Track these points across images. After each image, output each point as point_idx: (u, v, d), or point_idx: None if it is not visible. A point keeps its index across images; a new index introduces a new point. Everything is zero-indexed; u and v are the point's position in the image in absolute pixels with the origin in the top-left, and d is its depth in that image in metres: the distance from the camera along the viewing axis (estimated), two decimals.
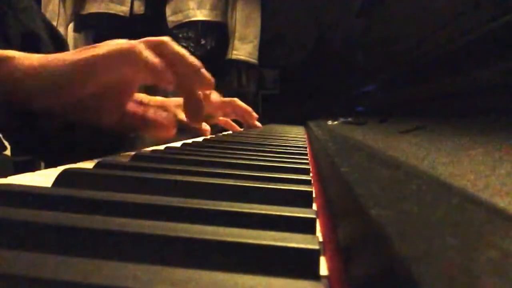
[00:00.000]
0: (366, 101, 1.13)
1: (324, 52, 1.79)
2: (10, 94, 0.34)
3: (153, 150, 0.37)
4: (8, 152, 0.47)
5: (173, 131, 0.43)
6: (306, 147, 0.47)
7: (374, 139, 0.37)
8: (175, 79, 0.37)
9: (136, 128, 0.44)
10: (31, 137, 0.41)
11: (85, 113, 0.38)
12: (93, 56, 0.34)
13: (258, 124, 0.84)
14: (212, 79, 0.41)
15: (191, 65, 0.39)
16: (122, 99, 0.40)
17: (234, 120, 0.74)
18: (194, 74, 0.39)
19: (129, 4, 1.46)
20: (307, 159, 0.36)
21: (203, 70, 0.40)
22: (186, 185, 0.21)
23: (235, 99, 0.64)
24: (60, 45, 0.61)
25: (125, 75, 0.37)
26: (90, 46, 0.36)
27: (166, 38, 0.38)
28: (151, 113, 0.42)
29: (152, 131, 0.43)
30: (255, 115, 0.72)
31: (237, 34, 1.54)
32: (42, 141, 0.42)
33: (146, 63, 0.35)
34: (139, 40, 0.38)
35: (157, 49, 0.37)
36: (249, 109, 0.68)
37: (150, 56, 0.35)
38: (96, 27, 1.53)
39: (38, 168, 0.25)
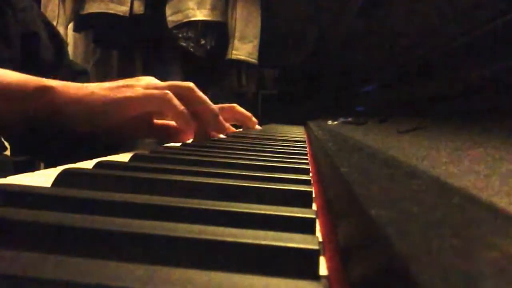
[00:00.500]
0: (366, 101, 1.13)
1: (324, 52, 1.79)
2: (49, 120, 0.39)
3: (152, 150, 0.37)
4: (8, 152, 0.48)
5: (191, 136, 0.49)
6: (306, 147, 0.47)
7: (374, 139, 0.37)
8: (196, 123, 0.44)
9: (158, 136, 0.50)
10: (34, 140, 0.43)
11: (112, 134, 0.43)
12: (127, 98, 0.39)
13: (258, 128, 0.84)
14: (226, 126, 0.50)
15: (212, 111, 0.46)
16: (148, 125, 0.47)
17: (234, 125, 0.74)
18: (213, 120, 0.46)
19: (129, 4, 1.46)
20: (307, 159, 0.36)
21: (220, 118, 0.47)
22: (185, 185, 0.21)
23: (235, 105, 0.64)
24: (59, 45, 0.62)
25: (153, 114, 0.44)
26: (125, 82, 0.41)
27: (191, 85, 0.44)
28: (172, 122, 0.48)
29: (173, 138, 0.49)
30: (255, 120, 0.72)
31: (237, 34, 1.54)
32: (44, 143, 0.44)
33: (175, 111, 0.41)
34: (167, 84, 0.43)
35: (183, 94, 0.43)
36: (249, 114, 0.68)
37: (178, 104, 0.41)
38: (95, 27, 1.53)
39: (38, 168, 0.25)
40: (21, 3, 0.55)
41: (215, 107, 0.46)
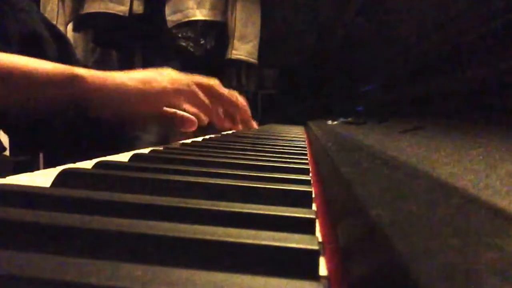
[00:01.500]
0: (366, 101, 1.13)
1: (324, 52, 1.79)
2: (75, 107, 0.40)
3: (152, 150, 0.37)
4: (7, 152, 0.48)
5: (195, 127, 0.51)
6: (305, 147, 0.47)
7: (374, 139, 0.37)
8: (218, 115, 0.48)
9: (165, 123, 0.51)
10: (46, 130, 0.44)
11: (133, 122, 0.45)
12: (158, 92, 0.42)
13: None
14: (247, 109, 0.55)
15: (234, 103, 0.51)
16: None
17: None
18: (235, 109, 0.53)
19: (128, 4, 1.46)
20: (306, 159, 0.36)
21: (242, 105, 0.53)
22: (185, 185, 0.21)
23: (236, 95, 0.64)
24: (62, 43, 0.62)
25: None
26: (151, 76, 0.43)
27: (213, 82, 0.48)
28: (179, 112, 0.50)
29: (180, 126, 0.50)
30: (249, 114, 0.72)
31: (236, 34, 1.54)
32: (55, 133, 0.44)
33: (201, 104, 0.44)
34: (191, 80, 0.45)
35: (205, 90, 0.46)
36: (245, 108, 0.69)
37: (204, 98, 0.44)
38: (95, 27, 1.53)
39: (37, 168, 0.25)
40: (20, 3, 0.55)
41: (237, 99, 0.50)
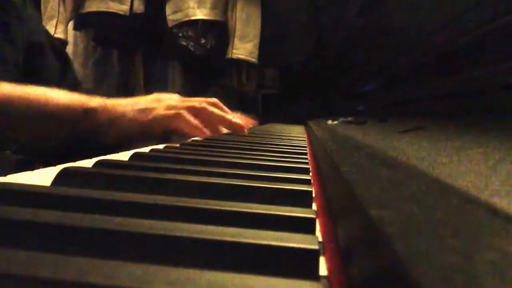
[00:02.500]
0: (366, 100, 1.13)
1: (324, 51, 1.78)
2: (85, 135, 0.47)
3: (152, 149, 0.37)
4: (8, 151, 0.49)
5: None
6: (306, 147, 0.47)
7: (374, 139, 0.37)
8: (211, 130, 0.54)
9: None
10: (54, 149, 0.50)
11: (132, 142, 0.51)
12: (150, 121, 0.48)
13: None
14: (243, 124, 0.59)
15: (227, 121, 0.56)
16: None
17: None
18: (228, 126, 0.57)
19: (129, 3, 1.46)
20: (307, 158, 0.36)
21: (234, 121, 0.56)
22: (185, 185, 0.21)
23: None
24: (64, 61, 0.66)
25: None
26: (149, 104, 0.51)
27: (204, 105, 0.54)
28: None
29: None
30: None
31: (237, 33, 1.54)
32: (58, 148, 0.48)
33: (189, 127, 0.50)
34: (185, 105, 0.52)
35: (197, 112, 0.52)
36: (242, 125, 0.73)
37: (191, 121, 0.50)
38: (96, 26, 1.53)
39: (38, 167, 0.25)
40: (24, 12, 0.56)
41: (227, 116, 0.56)
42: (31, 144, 0.48)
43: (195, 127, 0.50)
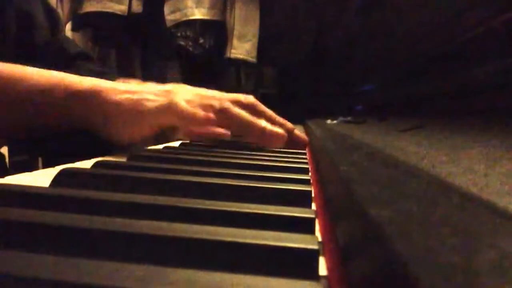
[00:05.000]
0: (365, 100, 1.13)
1: (323, 50, 1.79)
2: (93, 124, 0.38)
3: (151, 150, 0.37)
4: (3, 150, 0.47)
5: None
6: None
7: (373, 138, 0.37)
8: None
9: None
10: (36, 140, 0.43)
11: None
12: (142, 113, 0.37)
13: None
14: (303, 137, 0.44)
15: (265, 133, 0.41)
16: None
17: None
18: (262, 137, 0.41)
19: (127, 3, 1.46)
20: (306, 158, 0.36)
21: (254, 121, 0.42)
22: (184, 185, 0.21)
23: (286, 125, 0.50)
24: (54, 20, 0.59)
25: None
26: (149, 95, 0.38)
27: (226, 105, 0.40)
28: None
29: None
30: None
31: (235, 33, 1.54)
32: (44, 143, 0.43)
33: (184, 119, 0.37)
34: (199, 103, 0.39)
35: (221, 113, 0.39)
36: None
37: (190, 110, 0.37)
38: (94, 26, 1.52)
39: (36, 168, 0.25)
40: None
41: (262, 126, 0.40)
42: (9, 134, 0.40)
43: (193, 116, 0.37)
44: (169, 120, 0.37)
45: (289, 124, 0.43)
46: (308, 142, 0.47)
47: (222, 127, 0.38)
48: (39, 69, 0.37)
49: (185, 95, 0.39)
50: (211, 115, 0.37)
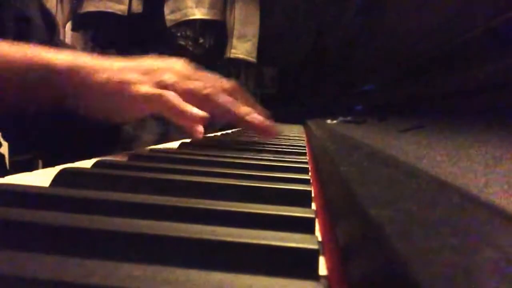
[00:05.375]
0: (365, 100, 1.13)
1: (323, 50, 1.79)
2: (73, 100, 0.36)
3: (151, 150, 0.37)
4: (3, 149, 0.47)
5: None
6: (305, 146, 0.47)
7: (373, 138, 0.37)
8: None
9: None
10: (35, 134, 0.41)
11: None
12: (125, 99, 0.35)
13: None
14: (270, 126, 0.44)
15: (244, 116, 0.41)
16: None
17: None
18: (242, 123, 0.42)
19: (127, 3, 1.46)
20: (306, 158, 0.36)
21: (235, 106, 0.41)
22: (184, 185, 0.21)
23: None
24: (51, 24, 0.59)
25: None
26: (133, 76, 0.36)
27: (209, 91, 0.39)
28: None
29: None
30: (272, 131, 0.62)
31: (235, 33, 1.54)
32: (43, 137, 0.42)
33: (171, 111, 0.36)
34: (181, 88, 0.38)
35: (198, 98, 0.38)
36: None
37: (178, 104, 0.36)
38: (94, 26, 1.52)
39: (36, 168, 0.25)
40: None
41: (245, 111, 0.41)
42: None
43: (181, 113, 0.35)
44: (155, 110, 0.36)
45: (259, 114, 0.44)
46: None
47: (203, 110, 0.37)
48: (15, 45, 0.35)
49: (171, 77, 0.37)
50: (204, 114, 0.35)
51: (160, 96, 0.35)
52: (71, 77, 0.35)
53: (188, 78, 0.39)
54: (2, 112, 0.36)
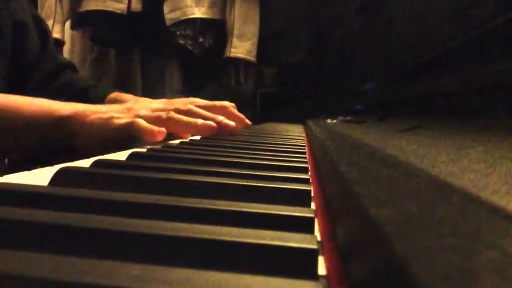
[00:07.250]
0: (365, 99, 1.13)
1: (323, 50, 1.79)
2: (58, 141, 0.47)
3: (150, 149, 0.37)
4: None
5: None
6: (304, 146, 0.47)
7: (373, 138, 0.37)
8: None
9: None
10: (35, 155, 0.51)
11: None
12: (111, 130, 0.47)
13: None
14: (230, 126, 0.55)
15: (201, 129, 0.53)
16: None
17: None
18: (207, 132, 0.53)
19: (126, 2, 1.45)
20: (305, 157, 0.36)
21: (200, 122, 0.53)
22: (183, 184, 0.21)
23: (227, 104, 0.64)
24: (43, 32, 0.65)
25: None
26: (117, 112, 0.49)
27: (171, 114, 0.50)
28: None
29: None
30: (247, 122, 0.71)
31: (235, 32, 1.54)
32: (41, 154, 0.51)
33: (146, 135, 0.46)
34: (153, 116, 0.50)
35: (164, 122, 0.49)
36: (241, 116, 0.68)
37: (146, 127, 0.46)
38: (93, 25, 1.52)
39: (35, 167, 0.25)
40: None
41: (200, 124, 0.52)
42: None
43: (151, 133, 0.46)
44: (132, 134, 0.46)
45: (218, 118, 0.55)
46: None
47: (170, 130, 0.49)
48: (29, 99, 0.46)
49: (143, 111, 0.51)
50: (162, 129, 0.46)
51: (133, 122, 0.46)
52: (74, 119, 0.47)
53: (162, 110, 0.52)
54: (15, 150, 0.48)
